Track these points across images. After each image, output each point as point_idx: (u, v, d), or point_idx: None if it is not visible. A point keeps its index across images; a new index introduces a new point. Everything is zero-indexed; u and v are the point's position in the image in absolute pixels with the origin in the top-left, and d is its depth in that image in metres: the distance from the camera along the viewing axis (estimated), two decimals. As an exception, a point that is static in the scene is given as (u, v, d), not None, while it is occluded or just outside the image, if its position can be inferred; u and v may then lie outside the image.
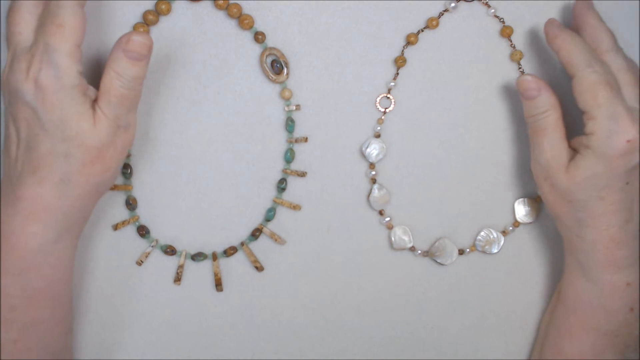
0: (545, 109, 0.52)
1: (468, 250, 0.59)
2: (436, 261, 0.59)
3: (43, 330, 0.50)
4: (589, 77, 0.49)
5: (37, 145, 0.46)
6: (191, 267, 0.57)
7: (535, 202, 0.59)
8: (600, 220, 0.51)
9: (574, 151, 0.52)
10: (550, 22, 0.53)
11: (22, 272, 0.48)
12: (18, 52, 0.46)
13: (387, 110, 0.57)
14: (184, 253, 0.56)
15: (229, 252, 0.57)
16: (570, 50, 0.51)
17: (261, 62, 0.54)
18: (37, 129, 0.46)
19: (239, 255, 0.57)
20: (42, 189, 0.47)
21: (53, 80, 0.45)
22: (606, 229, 0.51)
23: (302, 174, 0.57)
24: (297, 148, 0.56)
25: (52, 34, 0.45)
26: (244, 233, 0.57)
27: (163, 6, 0.52)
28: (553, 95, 0.52)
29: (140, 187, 0.55)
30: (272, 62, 0.54)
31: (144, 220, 0.56)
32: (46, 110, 0.45)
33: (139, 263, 0.56)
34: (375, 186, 0.57)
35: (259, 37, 0.54)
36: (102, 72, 0.53)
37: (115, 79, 0.47)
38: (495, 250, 0.59)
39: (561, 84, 0.58)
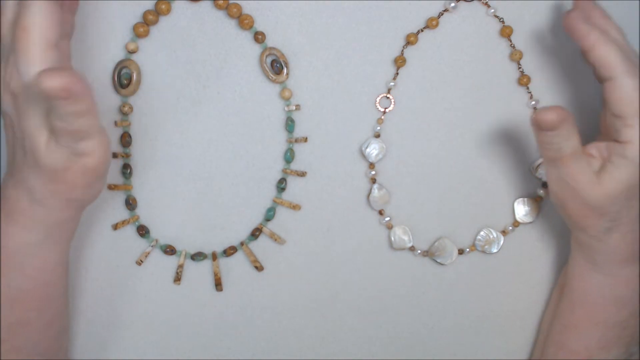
0: (568, 136, 0.47)
1: (468, 250, 0.59)
2: (436, 261, 0.59)
3: (31, 331, 0.49)
4: (630, 84, 0.47)
5: (16, 152, 0.46)
6: (191, 267, 0.57)
7: (535, 202, 0.59)
8: (627, 225, 0.50)
9: (592, 157, 0.49)
10: (574, 17, 0.48)
11: (3, 272, 0.47)
12: (3, 56, 0.45)
13: (387, 110, 0.57)
14: (183, 253, 0.56)
15: (229, 251, 0.57)
16: (608, 51, 0.47)
17: (261, 62, 0.54)
18: (14, 136, 0.46)
19: (239, 255, 0.57)
20: (17, 192, 0.46)
21: (22, 89, 0.43)
22: (631, 231, 0.51)
23: (302, 174, 0.57)
24: (297, 148, 0.56)
25: (18, 39, 0.42)
26: (244, 233, 0.57)
27: (163, 6, 0.52)
28: (572, 117, 0.47)
29: (140, 187, 0.55)
30: (272, 62, 0.54)
31: (143, 220, 0.56)
32: (18, 120, 0.44)
33: (139, 263, 0.56)
34: (375, 186, 0.57)
35: (259, 37, 0.54)
36: (102, 74, 0.53)
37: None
38: (495, 250, 0.59)
39: (562, 83, 0.58)
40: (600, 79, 0.49)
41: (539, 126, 0.47)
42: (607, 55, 0.47)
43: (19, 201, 0.47)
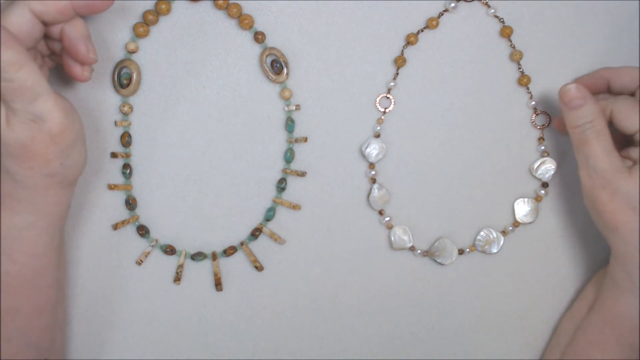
0: (593, 117, 0.51)
1: (468, 250, 0.59)
2: (436, 261, 0.59)
3: (20, 320, 0.49)
4: (625, 102, 0.51)
5: None
6: (191, 266, 0.57)
7: (535, 202, 0.59)
8: None
9: (628, 160, 0.52)
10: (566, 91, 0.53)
11: None
12: None
13: (387, 110, 0.57)
14: (183, 253, 0.56)
15: (229, 251, 0.57)
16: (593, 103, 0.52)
17: (261, 62, 0.54)
18: None
19: (239, 255, 0.57)
20: (3, 176, 0.47)
21: None
22: None
23: (302, 174, 0.57)
24: (297, 148, 0.56)
25: None
26: (244, 233, 0.57)
27: (163, 6, 0.52)
28: (597, 103, 0.52)
29: (140, 187, 0.55)
30: (272, 62, 0.54)
31: (143, 220, 0.56)
32: None
33: (139, 263, 0.56)
34: (375, 186, 0.57)
35: (259, 37, 0.54)
36: (102, 74, 0.53)
37: None
38: (495, 250, 0.59)
39: (562, 83, 0.58)
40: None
41: (563, 101, 0.52)
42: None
43: (4, 184, 0.47)
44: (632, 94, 0.54)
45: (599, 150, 0.51)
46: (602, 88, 0.55)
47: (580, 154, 0.52)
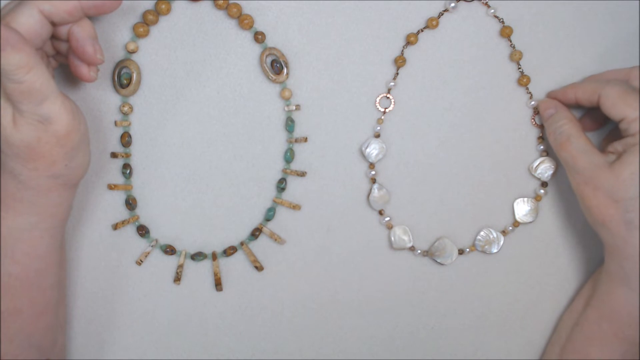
0: (562, 120, 0.55)
1: (468, 250, 0.59)
2: (436, 261, 0.59)
3: (23, 321, 0.50)
4: (614, 89, 0.52)
5: None
6: (191, 266, 0.57)
7: (535, 201, 0.59)
8: None
9: (612, 154, 0.53)
10: (546, 104, 0.57)
11: None
12: None
13: (387, 110, 0.57)
14: (183, 253, 0.56)
15: (229, 251, 0.57)
16: (581, 88, 0.55)
17: (261, 62, 0.54)
18: None
19: (239, 255, 0.57)
20: (3, 178, 0.47)
21: None
22: None
23: (302, 174, 0.57)
24: (297, 148, 0.56)
25: None
26: (244, 233, 0.57)
27: (163, 6, 0.52)
28: (569, 111, 0.56)
29: (140, 187, 0.55)
30: (272, 62, 0.54)
31: (143, 220, 0.56)
32: None
33: (139, 263, 0.56)
34: (375, 186, 0.57)
35: (259, 37, 0.54)
36: (102, 74, 0.54)
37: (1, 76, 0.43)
38: (495, 250, 0.59)
39: (562, 83, 0.58)
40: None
41: (541, 113, 0.57)
42: (584, 90, 0.55)
43: (7, 185, 0.47)
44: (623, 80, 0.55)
45: (573, 151, 0.53)
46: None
47: (561, 158, 0.54)
